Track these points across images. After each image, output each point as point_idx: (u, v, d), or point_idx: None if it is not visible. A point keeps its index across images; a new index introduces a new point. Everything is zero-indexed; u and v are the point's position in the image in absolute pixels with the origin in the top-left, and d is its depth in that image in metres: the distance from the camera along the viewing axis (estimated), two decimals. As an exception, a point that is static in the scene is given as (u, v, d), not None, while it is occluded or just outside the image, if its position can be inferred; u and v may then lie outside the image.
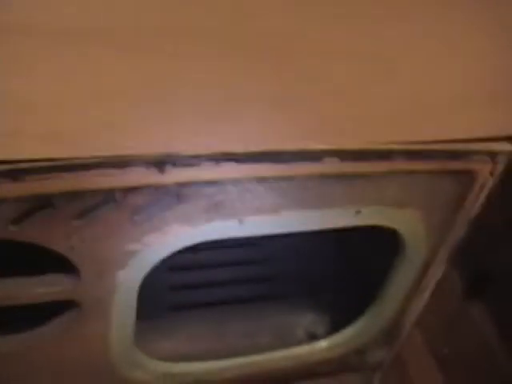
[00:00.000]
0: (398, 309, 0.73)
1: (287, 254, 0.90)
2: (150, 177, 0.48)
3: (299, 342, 0.78)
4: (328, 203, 0.57)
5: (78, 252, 0.51)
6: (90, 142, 0.45)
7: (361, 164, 0.54)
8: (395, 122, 0.53)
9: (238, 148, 0.49)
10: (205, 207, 0.53)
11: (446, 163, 0.57)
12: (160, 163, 0.48)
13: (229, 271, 0.86)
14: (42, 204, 0.47)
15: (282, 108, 0.47)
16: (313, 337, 0.80)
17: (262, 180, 0.52)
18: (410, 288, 0.71)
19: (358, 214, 0.59)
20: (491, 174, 0.59)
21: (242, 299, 0.83)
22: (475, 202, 0.62)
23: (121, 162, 0.46)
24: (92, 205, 0.49)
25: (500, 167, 0.58)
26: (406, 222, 0.62)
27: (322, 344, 0.76)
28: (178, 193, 0.51)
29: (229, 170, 0.50)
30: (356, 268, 0.84)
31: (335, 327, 0.78)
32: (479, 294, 0.75)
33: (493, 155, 0.57)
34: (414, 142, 0.54)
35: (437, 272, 0.71)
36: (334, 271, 0.87)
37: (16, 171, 0.44)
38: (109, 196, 0.48)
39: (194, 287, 0.84)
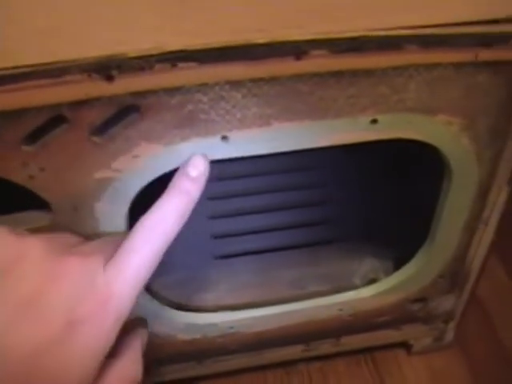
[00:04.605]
0: (458, 246, 0.62)
1: (340, 194, 0.80)
2: (95, 86, 0.41)
3: (355, 291, 0.69)
4: (331, 111, 0.47)
5: (40, 182, 0.46)
6: (18, 50, 0.40)
7: (359, 57, 0.43)
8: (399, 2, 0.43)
9: (197, 43, 0.41)
10: (174, 122, 0.45)
11: (476, 51, 0.45)
12: (103, 69, 0.40)
13: (276, 216, 0.78)
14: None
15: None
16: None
17: (236, 84, 0.44)
18: (467, 219, 0.59)
19: (374, 124, 0.49)
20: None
21: (290, 245, 0.75)
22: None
23: (55, 70, 0.40)
24: (40, 126, 0.43)
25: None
26: (441, 133, 0.50)
27: (368, 290, 0.66)
28: (136, 105, 0.43)
29: (190, 73, 0.42)
30: (412, 202, 0.73)
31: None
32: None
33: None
34: (427, 25, 0.43)
35: (500, 197, 0.58)
36: (392, 208, 0.76)
37: None
38: (56, 113, 0.42)
39: (239, 234, 0.77)
